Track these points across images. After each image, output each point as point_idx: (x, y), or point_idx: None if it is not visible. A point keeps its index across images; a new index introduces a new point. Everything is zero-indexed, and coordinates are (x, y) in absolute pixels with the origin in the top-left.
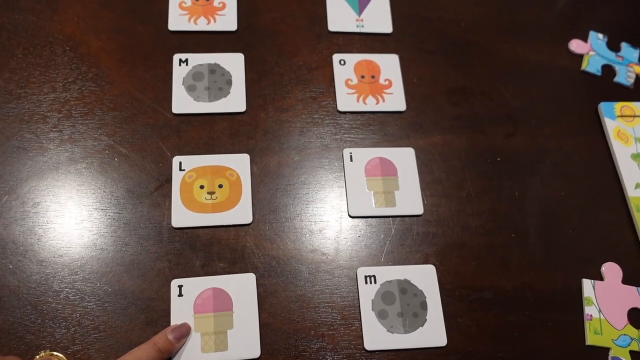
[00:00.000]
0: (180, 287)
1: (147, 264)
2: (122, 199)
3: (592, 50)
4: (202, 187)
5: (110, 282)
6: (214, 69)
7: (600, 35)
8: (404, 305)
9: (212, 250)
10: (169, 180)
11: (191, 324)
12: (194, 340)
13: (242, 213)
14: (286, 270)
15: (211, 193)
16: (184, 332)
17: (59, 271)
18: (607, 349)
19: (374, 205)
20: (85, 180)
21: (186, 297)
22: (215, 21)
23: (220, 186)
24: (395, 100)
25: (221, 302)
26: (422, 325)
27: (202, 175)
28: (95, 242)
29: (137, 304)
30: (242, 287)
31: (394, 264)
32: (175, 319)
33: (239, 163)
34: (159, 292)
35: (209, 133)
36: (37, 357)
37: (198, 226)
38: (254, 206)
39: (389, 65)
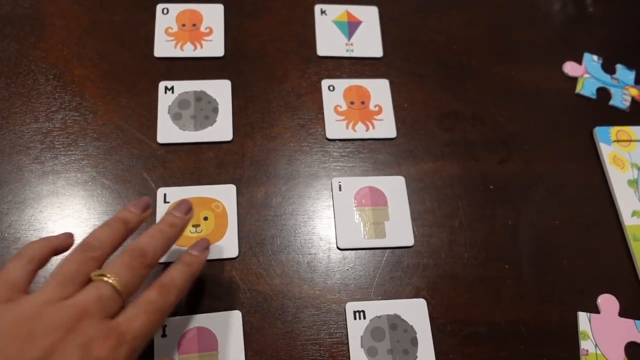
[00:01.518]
0: (164, 327)
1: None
2: None
3: (586, 73)
4: None
5: None
6: (200, 96)
7: (595, 57)
8: (394, 341)
9: (197, 286)
10: (153, 213)
11: None
12: None
13: (228, 246)
14: (272, 306)
15: (196, 226)
16: (145, 202)
17: None
18: None
19: (363, 236)
20: (67, 213)
21: (170, 337)
22: (202, 47)
23: (206, 218)
24: (385, 126)
25: (206, 342)
26: None
27: None
28: None
29: None
30: (227, 326)
31: (384, 297)
32: None
33: (225, 194)
34: None
35: (195, 163)
36: (92, 275)
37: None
38: (240, 239)
39: (379, 90)
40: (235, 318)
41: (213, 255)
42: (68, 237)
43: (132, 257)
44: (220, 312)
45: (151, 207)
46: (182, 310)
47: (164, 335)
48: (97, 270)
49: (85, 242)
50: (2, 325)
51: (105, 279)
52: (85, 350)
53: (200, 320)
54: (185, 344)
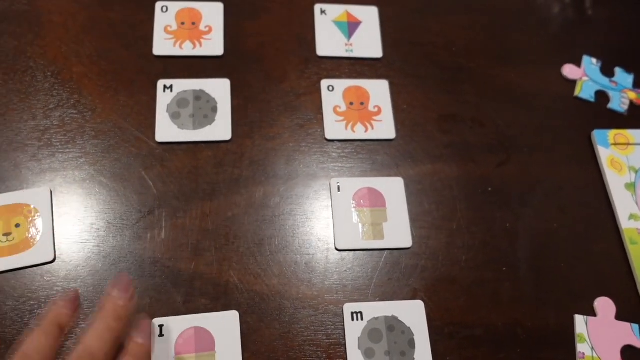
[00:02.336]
0: (161, 326)
1: None
2: (103, 231)
3: (585, 76)
4: None
5: (88, 319)
6: (199, 95)
7: (594, 60)
8: (391, 343)
9: (195, 286)
10: (151, 211)
11: None
12: None
13: (44, 251)
14: (270, 306)
15: (7, 234)
16: (76, 299)
17: (35, 308)
18: None
19: (361, 237)
20: (65, 211)
21: (167, 337)
22: (201, 45)
23: (18, 225)
24: (384, 127)
25: (203, 342)
26: None
27: None
28: (71, 276)
29: None
30: (224, 326)
31: (382, 299)
32: None
33: (37, 198)
34: None
35: (194, 162)
36: None
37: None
38: (239, 238)
39: (379, 91)
40: (233, 318)
41: (26, 262)
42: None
43: None
44: (218, 312)
45: (79, 303)
46: (180, 310)
47: (161, 335)
48: None
49: (25, 354)
50: None
51: None
52: None
53: (198, 320)
54: (183, 344)
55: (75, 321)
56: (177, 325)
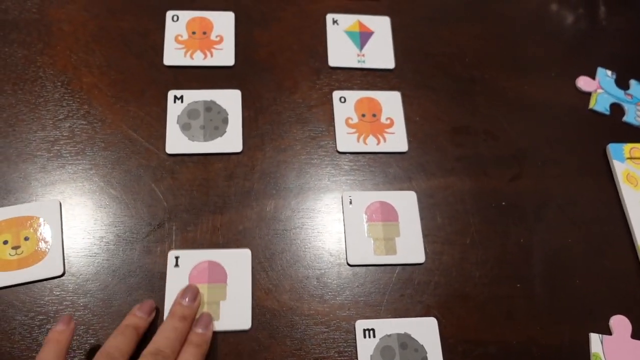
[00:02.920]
0: (177, 258)
1: None
2: (112, 244)
3: (600, 88)
4: None
5: (97, 335)
6: (210, 106)
7: (609, 72)
8: None
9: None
10: (161, 225)
11: None
12: None
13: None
14: (281, 323)
15: (16, 248)
16: (150, 306)
17: (44, 323)
18: None
19: (373, 252)
20: (74, 224)
21: (182, 267)
22: (212, 56)
23: (27, 239)
24: (397, 140)
25: (216, 275)
26: None
27: None
28: (81, 290)
29: None
30: (237, 262)
31: (394, 315)
32: None
33: (45, 211)
34: None
35: (204, 174)
36: None
37: None
38: (250, 253)
39: (391, 103)
40: (245, 255)
41: (35, 276)
42: (68, 323)
43: (156, 359)
44: (231, 249)
45: (155, 310)
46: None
47: (176, 266)
48: None
49: (107, 352)
50: None
51: None
52: None
53: (212, 254)
54: (197, 275)
55: (150, 324)
56: (192, 257)
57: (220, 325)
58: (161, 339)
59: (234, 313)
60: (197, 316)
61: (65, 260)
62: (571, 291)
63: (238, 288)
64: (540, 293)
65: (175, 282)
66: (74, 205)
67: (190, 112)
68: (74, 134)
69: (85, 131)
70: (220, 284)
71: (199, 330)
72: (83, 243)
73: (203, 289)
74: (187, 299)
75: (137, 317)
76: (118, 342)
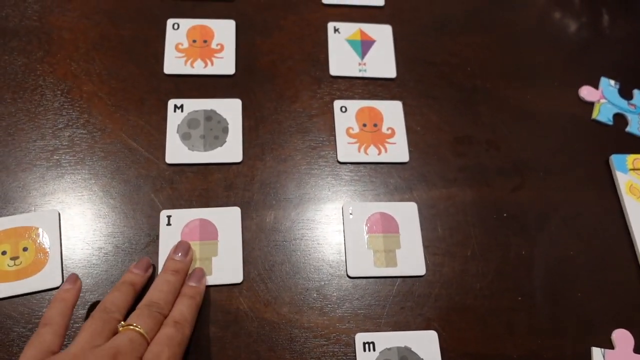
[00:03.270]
0: (169, 217)
1: None
2: (111, 255)
3: (603, 98)
4: None
5: None
6: (210, 115)
7: (612, 82)
8: None
9: (203, 313)
10: (159, 237)
11: None
12: None
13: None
14: (281, 335)
15: (14, 258)
16: (147, 263)
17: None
18: None
19: (374, 264)
20: (73, 234)
21: (174, 225)
22: (212, 64)
23: (25, 249)
24: (398, 150)
25: (207, 232)
26: None
27: None
28: (80, 302)
29: None
30: (227, 219)
31: (394, 328)
32: None
33: (45, 221)
34: None
35: (204, 185)
36: (120, 328)
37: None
38: (248, 264)
39: (392, 112)
40: (235, 213)
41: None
42: (75, 282)
43: (150, 310)
44: (221, 207)
45: (151, 267)
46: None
47: (168, 224)
48: (124, 323)
49: (104, 307)
50: None
51: (132, 327)
52: None
53: (203, 213)
54: (188, 232)
55: (146, 281)
56: (184, 216)
57: (213, 280)
58: (155, 292)
59: (226, 268)
60: (190, 271)
61: (64, 271)
62: (573, 304)
63: (229, 244)
64: (542, 306)
65: (167, 241)
66: (73, 215)
67: (191, 122)
68: (73, 143)
69: (85, 140)
70: (212, 241)
71: (192, 283)
72: (82, 254)
73: (195, 246)
74: (179, 254)
75: (134, 274)
76: (114, 298)
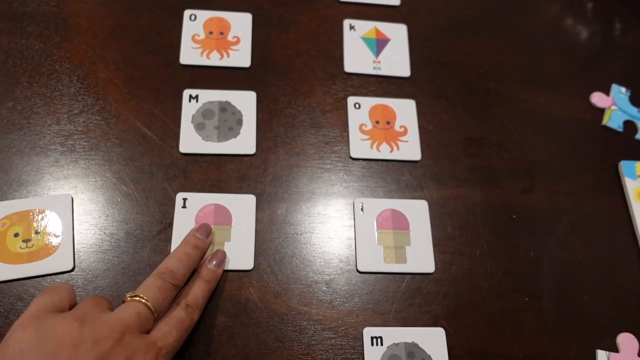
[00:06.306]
0: (184, 199)
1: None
2: (123, 241)
3: (614, 105)
4: None
5: None
6: (224, 107)
7: (623, 89)
8: None
9: (213, 302)
10: (172, 223)
11: None
12: None
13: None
14: (289, 327)
15: (27, 241)
16: (206, 228)
17: None
18: None
19: (383, 260)
20: (85, 219)
21: (189, 209)
22: (228, 56)
23: (37, 232)
24: (410, 148)
25: (221, 217)
26: None
27: None
28: (90, 286)
29: None
30: (242, 206)
31: (402, 324)
32: None
33: (56, 204)
34: None
35: (217, 175)
36: (128, 297)
37: None
38: (259, 255)
39: (405, 111)
40: (250, 200)
41: (45, 270)
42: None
43: (164, 280)
44: (237, 194)
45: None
46: (197, 325)
47: (184, 207)
48: (131, 292)
49: (161, 271)
50: (54, 331)
51: (138, 299)
52: None
53: (218, 198)
54: (203, 217)
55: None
56: (199, 200)
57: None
58: (173, 261)
59: (238, 254)
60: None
61: (76, 256)
62: (579, 307)
63: (242, 230)
64: (549, 308)
65: (182, 223)
66: (86, 201)
67: (205, 112)
68: (88, 129)
69: (100, 127)
70: (226, 226)
71: (212, 266)
72: (94, 239)
73: None
74: (200, 234)
75: (196, 238)
76: (171, 265)
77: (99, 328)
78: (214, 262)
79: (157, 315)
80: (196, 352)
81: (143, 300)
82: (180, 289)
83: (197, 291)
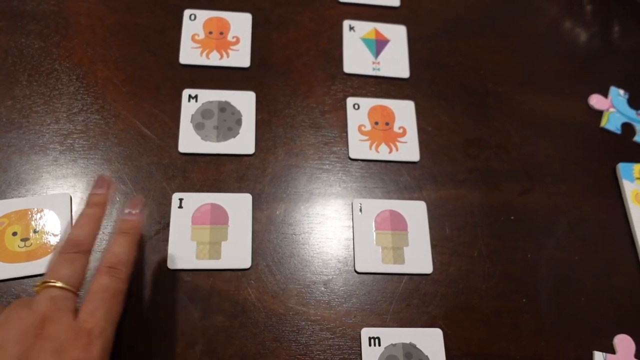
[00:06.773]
0: (180, 199)
1: (144, 314)
2: None
3: (612, 107)
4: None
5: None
6: (224, 107)
7: (622, 92)
8: None
9: (212, 302)
10: (170, 224)
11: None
12: (190, 248)
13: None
14: (287, 327)
15: (25, 240)
16: (105, 180)
17: None
18: None
19: (381, 261)
20: None
21: (185, 209)
22: (228, 56)
23: (36, 231)
24: (409, 149)
25: (218, 217)
26: None
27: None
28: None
29: None
30: (238, 205)
31: (400, 325)
32: None
33: (54, 203)
34: (154, 347)
35: (215, 175)
36: (35, 287)
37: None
38: (257, 255)
39: (404, 112)
40: (246, 199)
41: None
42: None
43: (67, 252)
44: (233, 193)
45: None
46: (196, 326)
47: (180, 207)
48: (38, 280)
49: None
50: None
51: (46, 284)
52: (60, 355)
53: (214, 197)
54: (199, 216)
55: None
56: (195, 200)
57: (222, 264)
58: (74, 230)
59: (235, 253)
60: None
61: None
62: (576, 308)
63: (239, 229)
64: (546, 309)
65: (179, 223)
66: (85, 199)
67: (204, 112)
68: (87, 128)
69: (99, 126)
70: (222, 226)
71: (126, 215)
72: None
73: (206, 229)
74: (97, 189)
75: (126, 220)
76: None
77: (15, 327)
78: (127, 210)
79: (77, 288)
80: (194, 353)
81: (51, 283)
82: (90, 252)
83: (117, 247)
